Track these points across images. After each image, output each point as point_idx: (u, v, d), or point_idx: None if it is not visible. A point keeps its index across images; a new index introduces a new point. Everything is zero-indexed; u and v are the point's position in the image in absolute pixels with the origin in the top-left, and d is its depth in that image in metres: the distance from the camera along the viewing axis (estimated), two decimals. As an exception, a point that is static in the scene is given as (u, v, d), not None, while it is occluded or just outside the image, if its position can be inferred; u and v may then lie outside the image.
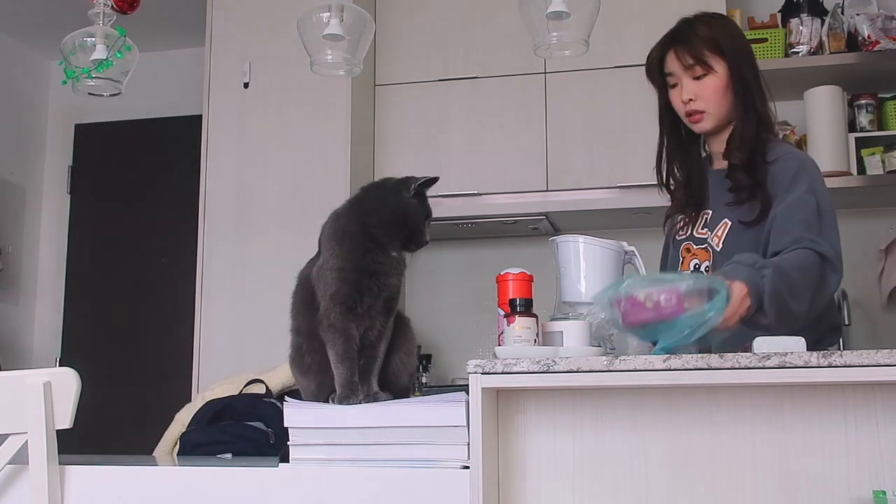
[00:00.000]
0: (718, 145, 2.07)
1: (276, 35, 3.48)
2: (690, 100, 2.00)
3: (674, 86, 2.04)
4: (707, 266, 2.01)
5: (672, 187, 2.12)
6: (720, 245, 1.98)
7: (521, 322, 1.64)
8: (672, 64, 2.02)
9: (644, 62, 2.08)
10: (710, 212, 2.05)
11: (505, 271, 1.74)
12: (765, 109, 2.03)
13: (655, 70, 2.06)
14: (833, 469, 1.46)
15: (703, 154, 2.14)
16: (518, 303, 1.67)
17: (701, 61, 1.98)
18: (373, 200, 1.64)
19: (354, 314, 1.58)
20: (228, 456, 1.96)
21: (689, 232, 2.08)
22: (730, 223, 1.98)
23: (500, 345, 1.66)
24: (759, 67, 2.05)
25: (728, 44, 2.00)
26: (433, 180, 1.64)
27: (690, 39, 2.00)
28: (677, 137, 2.11)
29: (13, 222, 4.44)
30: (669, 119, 2.10)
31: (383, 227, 1.60)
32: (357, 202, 1.66)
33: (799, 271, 1.76)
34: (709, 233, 2.03)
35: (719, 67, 1.99)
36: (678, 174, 2.11)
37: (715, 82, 1.99)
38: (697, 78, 1.99)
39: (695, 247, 2.05)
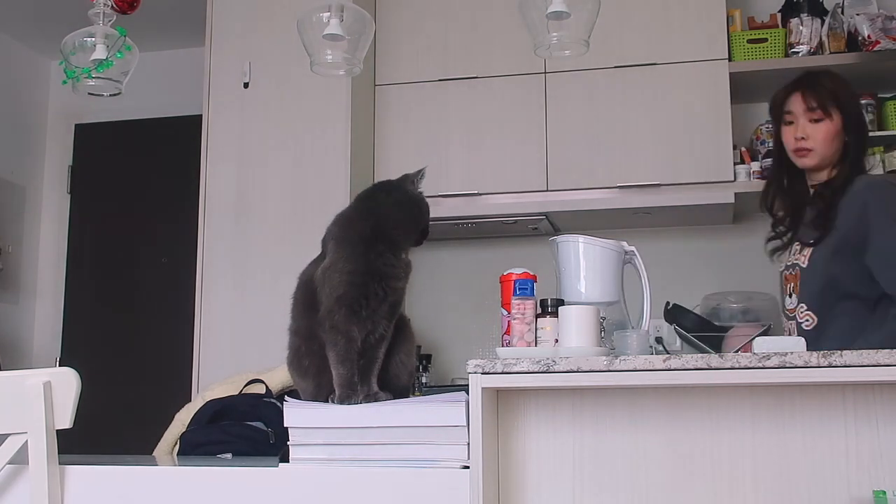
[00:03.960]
0: (813, 181, 2.30)
1: (276, 35, 3.48)
2: (802, 138, 2.25)
3: (790, 123, 2.28)
4: (792, 287, 2.25)
5: (777, 215, 2.37)
6: (806, 262, 2.21)
7: (549, 322, 1.63)
8: (795, 104, 2.27)
9: (644, 62, 2.10)
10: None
11: (508, 271, 1.73)
12: (861, 164, 2.28)
13: (779, 107, 2.32)
14: (833, 469, 1.46)
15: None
16: (550, 303, 1.66)
17: (822, 106, 2.24)
18: (386, 202, 1.65)
19: (359, 317, 1.58)
20: (228, 456, 1.95)
21: (788, 259, 2.31)
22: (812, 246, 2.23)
23: (503, 345, 1.66)
24: (868, 129, 2.37)
25: (846, 102, 2.27)
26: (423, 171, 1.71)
27: (817, 88, 2.27)
28: (788, 172, 2.34)
29: (13, 222, 4.44)
30: (778, 153, 2.35)
31: (401, 226, 1.62)
32: (367, 206, 1.67)
33: None
34: (800, 256, 2.26)
35: (836, 117, 2.25)
36: (781, 205, 2.35)
37: (828, 128, 2.25)
38: (814, 121, 2.25)
39: (788, 273, 2.28)
